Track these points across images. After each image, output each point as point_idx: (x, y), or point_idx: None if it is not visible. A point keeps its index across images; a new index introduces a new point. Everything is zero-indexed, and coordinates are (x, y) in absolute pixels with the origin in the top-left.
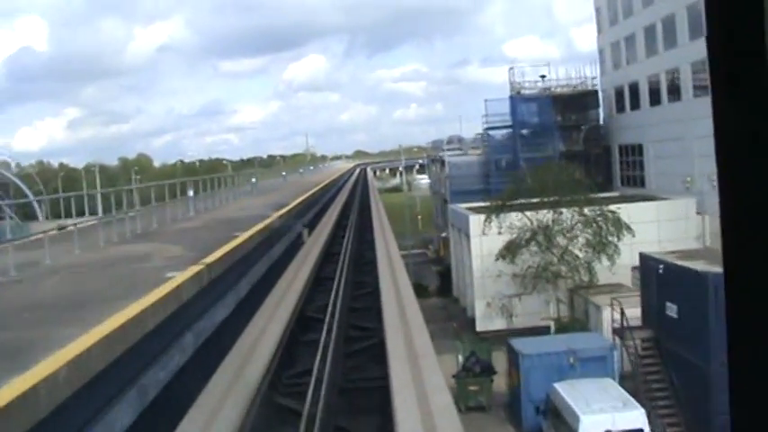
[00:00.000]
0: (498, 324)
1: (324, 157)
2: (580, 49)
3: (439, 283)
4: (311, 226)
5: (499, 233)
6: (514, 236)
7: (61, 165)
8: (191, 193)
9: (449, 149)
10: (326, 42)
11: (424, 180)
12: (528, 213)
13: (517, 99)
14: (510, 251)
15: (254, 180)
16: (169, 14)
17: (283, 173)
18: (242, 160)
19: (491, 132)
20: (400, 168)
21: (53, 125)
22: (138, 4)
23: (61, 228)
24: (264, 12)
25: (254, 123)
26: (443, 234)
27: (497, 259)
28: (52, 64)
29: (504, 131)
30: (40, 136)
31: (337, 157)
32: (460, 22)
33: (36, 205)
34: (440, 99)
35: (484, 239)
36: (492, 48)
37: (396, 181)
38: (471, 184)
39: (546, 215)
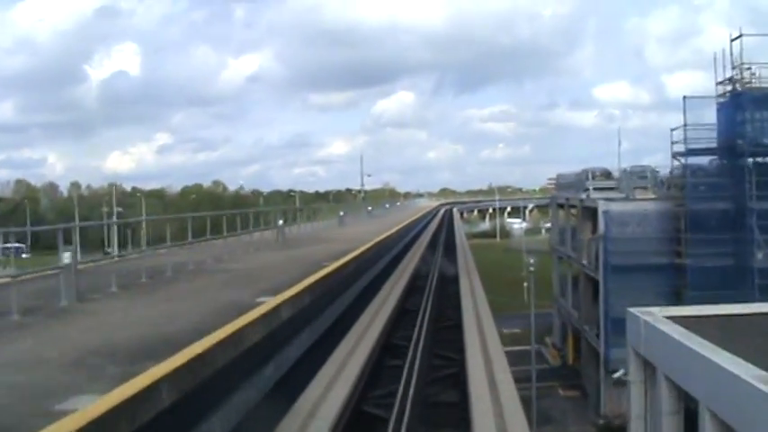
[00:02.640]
0: None
1: (408, 194)
2: (670, 94)
3: None
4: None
5: None
6: None
7: (133, 189)
8: None
9: (597, 188)
10: (416, 79)
11: (516, 224)
12: None
13: (746, 98)
14: None
15: (280, 222)
16: (260, 46)
17: (341, 212)
18: (317, 193)
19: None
20: (490, 210)
21: (143, 150)
22: (230, 34)
23: None
24: (355, 47)
25: (341, 157)
26: (572, 318)
27: None
28: (145, 89)
29: (710, 161)
30: (132, 160)
31: (420, 195)
32: (550, 63)
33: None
34: (527, 141)
35: None
36: (581, 91)
37: (485, 225)
38: (645, 252)
39: None
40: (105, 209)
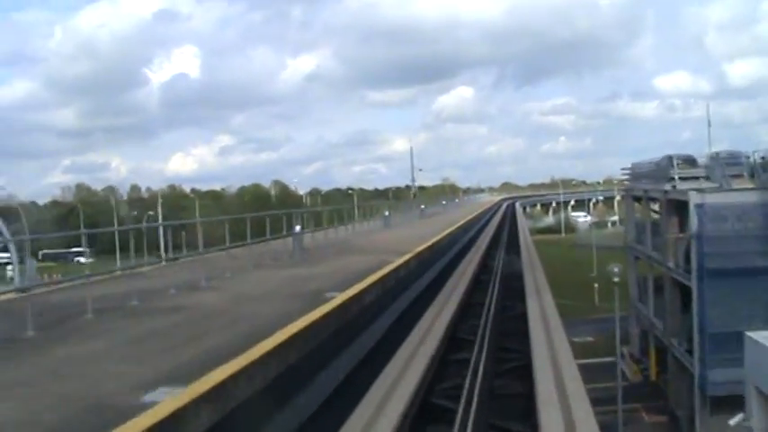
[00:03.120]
0: None
1: (468, 189)
2: (731, 83)
3: None
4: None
5: None
6: None
7: (192, 190)
8: None
9: (683, 177)
10: (475, 74)
11: (581, 218)
12: None
13: None
14: None
15: (297, 229)
16: (318, 45)
17: (386, 212)
18: (376, 190)
19: None
20: (554, 204)
21: (205, 151)
22: (288, 34)
23: None
24: (413, 43)
25: (402, 153)
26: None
27: None
28: (205, 91)
29: None
30: (194, 161)
31: (481, 190)
32: (610, 55)
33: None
34: (589, 133)
35: None
36: (642, 82)
37: (549, 220)
38: (749, 253)
39: None
40: (151, 212)
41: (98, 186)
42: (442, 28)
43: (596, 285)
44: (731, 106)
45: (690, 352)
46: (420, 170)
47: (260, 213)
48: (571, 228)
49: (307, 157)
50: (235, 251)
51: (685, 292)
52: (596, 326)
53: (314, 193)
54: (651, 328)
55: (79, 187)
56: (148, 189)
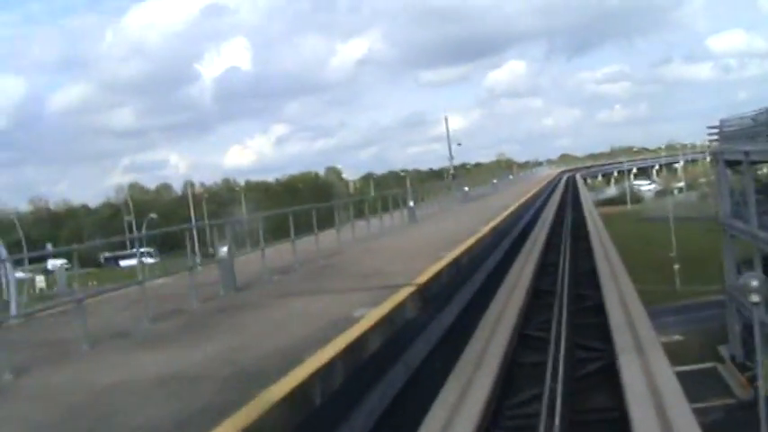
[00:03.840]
0: None
1: (526, 164)
2: None
3: None
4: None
5: None
6: None
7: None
8: None
9: None
10: (525, 47)
11: (645, 187)
12: None
13: None
14: None
15: (223, 252)
16: (367, 29)
17: (410, 202)
18: (431, 170)
19: None
20: (615, 173)
21: (262, 142)
22: (336, 20)
23: None
24: (461, 20)
25: (458, 132)
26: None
27: None
28: (257, 82)
29: None
30: (251, 153)
31: (539, 164)
32: (660, 18)
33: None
34: (644, 99)
35: None
36: (695, 44)
37: (611, 191)
38: None
39: None
40: (153, 215)
41: (153, 184)
42: (489, 2)
43: (676, 267)
44: None
45: None
46: (459, 144)
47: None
48: (636, 198)
49: (362, 141)
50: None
51: None
52: (682, 316)
53: (366, 177)
54: (762, 324)
55: (132, 187)
56: (202, 184)
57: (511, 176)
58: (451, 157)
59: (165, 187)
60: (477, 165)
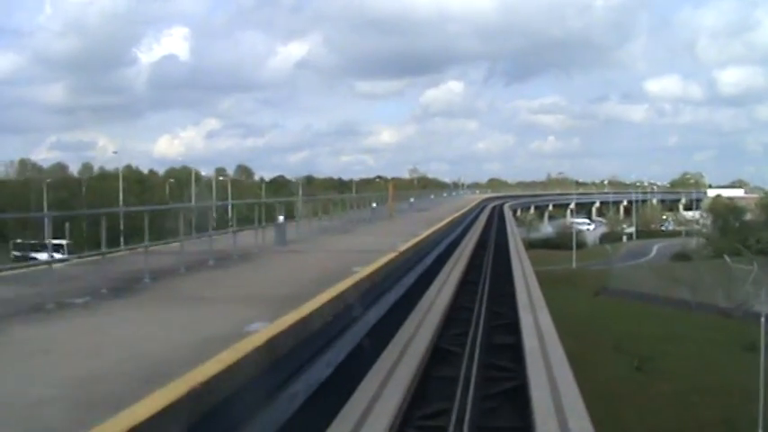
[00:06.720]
0: None
1: (456, 185)
2: (722, 90)
3: None
4: None
5: None
6: None
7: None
8: None
9: None
10: (465, 68)
11: (585, 226)
12: None
13: None
14: None
15: None
16: (308, 32)
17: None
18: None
19: None
20: (550, 207)
21: (193, 134)
22: (278, 20)
23: None
24: (403, 35)
25: (390, 145)
26: None
27: None
28: (193, 74)
29: None
30: (181, 144)
31: (458, 186)
32: (601, 56)
33: None
34: (577, 134)
35: None
36: (632, 84)
37: (548, 229)
38: None
39: None
40: None
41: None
42: (433, 21)
43: None
44: (721, 113)
45: None
46: None
47: None
48: (579, 242)
49: (293, 144)
50: None
51: None
52: None
53: (273, 181)
54: None
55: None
56: (117, 168)
57: (412, 200)
58: None
59: (87, 168)
60: (381, 178)
